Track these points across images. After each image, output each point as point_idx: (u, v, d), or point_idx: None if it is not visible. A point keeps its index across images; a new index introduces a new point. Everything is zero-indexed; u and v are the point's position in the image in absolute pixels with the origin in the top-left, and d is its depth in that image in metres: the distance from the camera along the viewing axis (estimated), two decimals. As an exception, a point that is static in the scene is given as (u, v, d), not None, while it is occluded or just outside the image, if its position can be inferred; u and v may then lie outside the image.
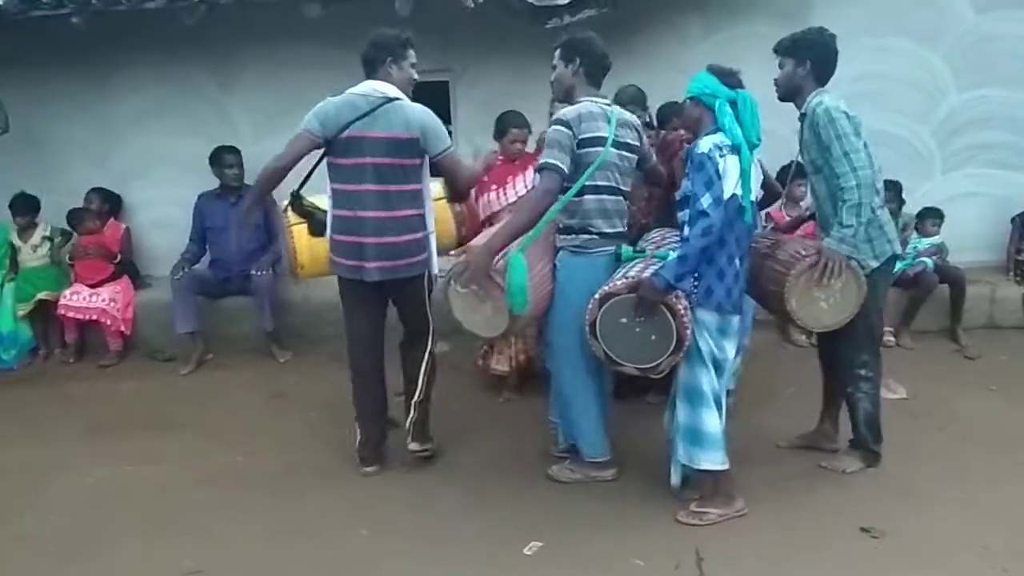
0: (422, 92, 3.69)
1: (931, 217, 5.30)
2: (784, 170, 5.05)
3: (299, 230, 3.59)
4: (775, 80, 3.39)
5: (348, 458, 3.70)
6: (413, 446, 3.65)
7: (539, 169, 3.15)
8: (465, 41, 5.40)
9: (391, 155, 3.30)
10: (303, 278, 3.79)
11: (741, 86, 3.07)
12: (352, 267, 3.39)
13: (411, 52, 3.45)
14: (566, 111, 3.19)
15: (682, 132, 4.09)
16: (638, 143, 3.39)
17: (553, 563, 2.91)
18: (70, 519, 3.35)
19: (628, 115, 3.39)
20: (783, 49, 3.35)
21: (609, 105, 3.31)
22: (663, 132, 4.31)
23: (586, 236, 3.25)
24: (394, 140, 3.30)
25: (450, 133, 5.66)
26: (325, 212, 3.48)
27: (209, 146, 5.46)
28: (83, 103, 5.82)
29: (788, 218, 5.09)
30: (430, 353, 3.63)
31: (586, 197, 3.21)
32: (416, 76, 3.50)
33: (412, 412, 3.63)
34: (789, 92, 3.36)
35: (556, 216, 3.25)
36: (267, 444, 3.99)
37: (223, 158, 5.37)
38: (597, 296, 3.00)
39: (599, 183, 3.22)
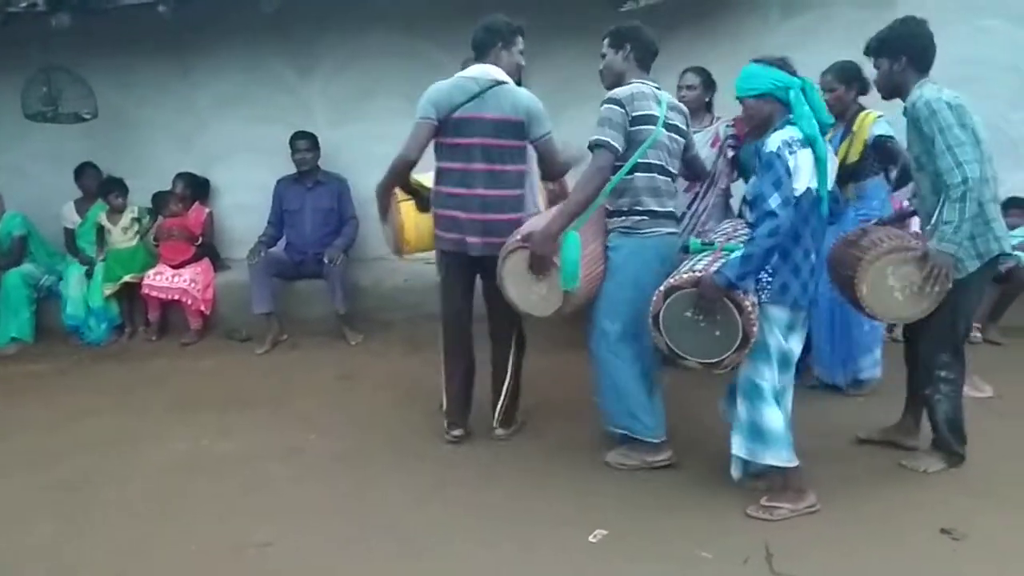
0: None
1: (1015, 207, 5.05)
2: None
3: (407, 206, 3.75)
4: (874, 81, 3.28)
5: (417, 438, 3.78)
6: (500, 432, 3.75)
7: (591, 147, 3.17)
8: (538, 25, 5.34)
9: (499, 136, 3.43)
10: (408, 253, 3.90)
11: (796, 74, 2.96)
12: (456, 240, 3.52)
13: (520, 39, 3.58)
14: (618, 90, 3.23)
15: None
16: (685, 128, 3.40)
17: (618, 552, 2.89)
18: (153, 488, 3.49)
19: (676, 101, 3.42)
20: (874, 50, 3.22)
21: (659, 88, 3.32)
22: None
23: (637, 216, 3.25)
24: (503, 121, 3.41)
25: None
26: (429, 189, 3.62)
27: (288, 132, 5.59)
28: (168, 89, 6.00)
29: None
30: (519, 338, 3.72)
31: (637, 175, 3.22)
32: (523, 63, 3.62)
33: (502, 399, 3.72)
34: (891, 90, 3.24)
35: (606, 198, 3.25)
36: (338, 423, 4.07)
37: (295, 143, 5.51)
38: (662, 288, 2.96)
39: (651, 161, 3.23)
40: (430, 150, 3.52)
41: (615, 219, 3.31)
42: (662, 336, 2.97)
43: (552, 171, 3.69)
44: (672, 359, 3.04)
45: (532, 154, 3.56)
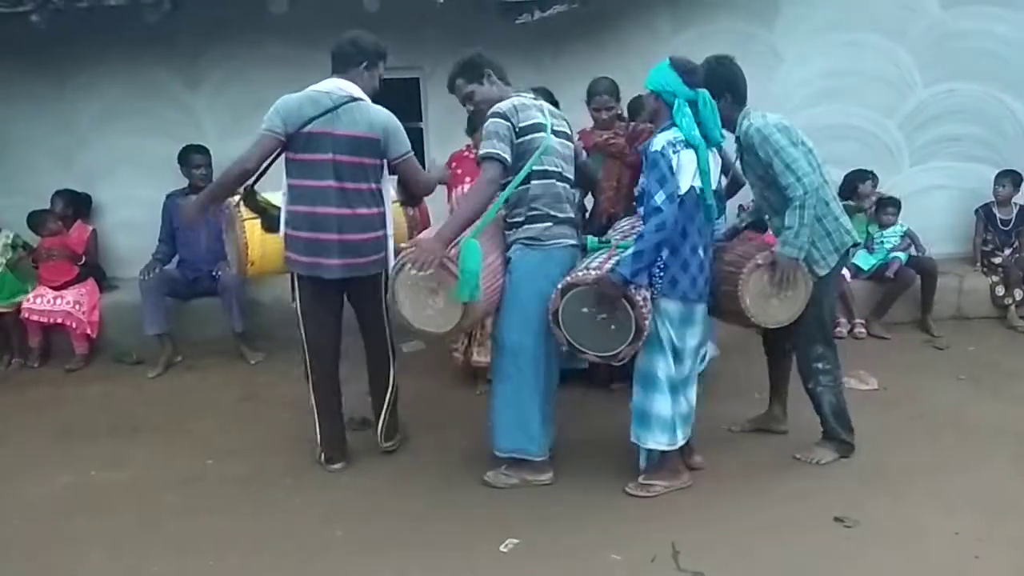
0: (392, 89, 3.65)
1: (888, 206, 5.37)
2: None
3: (251, 225, 3.49)
4: None
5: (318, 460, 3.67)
6: (386, 445, 3.71)
7: (480, 160, 3.14)
8: (435, 38, 5.36)
9: (353, 153, 3.30)
10: (251, 275, 3.68)
11: (701, 84, 3.11)
12: (310, 264, 3.36)
13: (383, 64, 3.46)
14: (500, 104, 3.19)
15: (650, 124, 4.11)
16: (572, 133, 3.43)
17: (530, 560, 2.89)
18: (35, 526, 3.26)
19: (554, 109, 3.42)
20: None
21: (535, 99, 3.32)
22: (633, 123, 4.34)
23: (540, 225, 3.22)
24: (357, 138, 3.30)
25: (420, 131, 5.67)
26: (278, 209, 3.44)
27: (175, 146, 5.38)
28: (45, 103, 5.69)
29: None
30: (394, 354, 3.67)
31: (534, 183, 3.20)
32: (378, 87, 3.48)
33: (384, 416, 3.67)
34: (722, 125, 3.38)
35: (504, 210, 3.23)
36: (237, 447, 3.92)
37: (191, 158, 5.29)
38: (560, 286, 3.06)
39: (548, 168, 3.23)
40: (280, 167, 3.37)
41: (517, 230, 3.26)
42: (562, 332, 3.07)
43: (414, 192, 3.63)
44: (573, 353, 3.17)
45: (387, 178, 3.48)
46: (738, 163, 3.50)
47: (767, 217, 3.50)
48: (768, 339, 3.72)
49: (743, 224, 3.77)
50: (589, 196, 4.36)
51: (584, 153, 3.62)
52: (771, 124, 3.22)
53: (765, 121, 3.23)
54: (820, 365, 3.43)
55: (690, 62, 3.12)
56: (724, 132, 3.22)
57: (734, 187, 3.78)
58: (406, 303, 3.14)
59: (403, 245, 3.21)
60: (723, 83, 3.29)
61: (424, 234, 3.26)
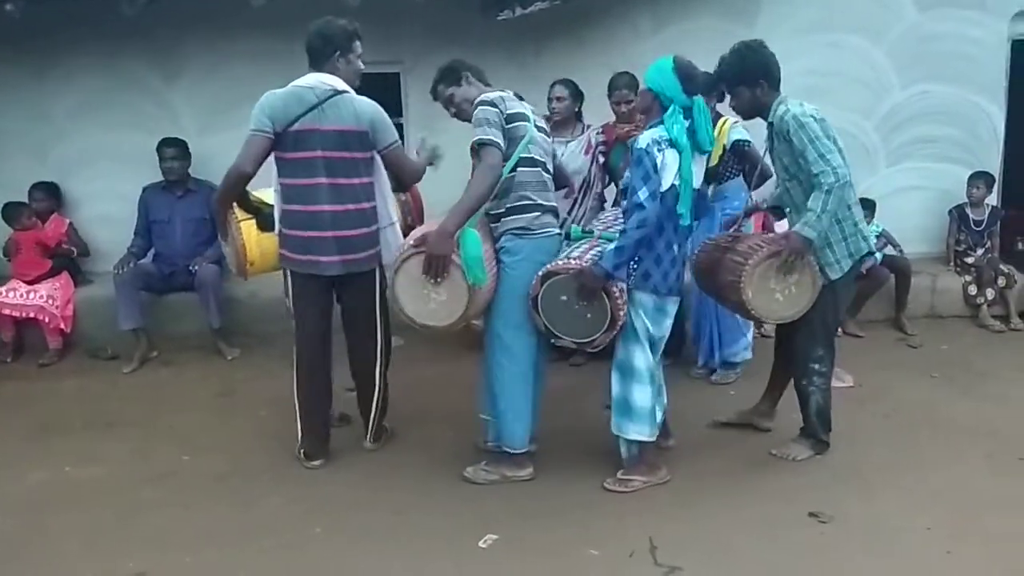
0: (373, 83, 3.63)
1: (864, 208, 5.40)
2: None
3: (247, 226, 3.51)
4: (733, 108, 3.44)
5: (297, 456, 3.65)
6: (370, 446, 3.70)
7: (477, 146, 3.13)
8: (416, 33, 5.36)
9: (342, 148, 3.29)
10: (252, 275, 3.68)
11: (699, 91, 3.12)
12: (309, 262, 3.35)
13: (358, 44, 3.41)
14: (485, 94, 3.23)
15: None
16: (549, 133, 3.47)
17: (509, 555, 2.89)
18: (9, 522, 3.21)
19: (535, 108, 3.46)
20: (730, 83, 3.36)
21: (516, 95, 3.35)
22: None
23: (530, 215, 3.23)
24: (345, 133, 3.28)
25: (401, 125, 5.65)
26: (271, 207, 3.42)
27: (152, 139, 5.34)
28: (20, 95, 5.61)
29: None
30: (385, 349, 3.64)
31: (521, 170, 3.22)
32: (363, 67, 3.47)
33: (373, 413, 3.65)
34: (755, 113, 3.40)
35: (491, 204, 3.23)
36: (214, 443, 3.89)
37: (162, 151, 5.27)
38: (540, 273, 3.12)
39: (534, 156, 3.25)
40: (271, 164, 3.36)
41: (507, 219, 3.24)
42: (541, 317, 3.14)
43: (403, 180, 3.63)
44: (550, 338, 3.23)
45: (382, 164, 3.47)
46: (767, 156, 3.50)
47: (787, 211, 3.49)
48: (783, 343, 3.69)
49: (764, 205, 3.77)
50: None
51: (558, 155, 3.64)
52: (808, 112, 3.19)
53: (803, 109, 3.20)
54: (817, 366, 3.44)
55: (692, 67, 3.11)
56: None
57: (761, 180, 3.88)
58: (408, 302, 3.14)
59: (406, 244, 3.18)
60: (759, 69, 3.28)
61: (426, 228, 3.23)
